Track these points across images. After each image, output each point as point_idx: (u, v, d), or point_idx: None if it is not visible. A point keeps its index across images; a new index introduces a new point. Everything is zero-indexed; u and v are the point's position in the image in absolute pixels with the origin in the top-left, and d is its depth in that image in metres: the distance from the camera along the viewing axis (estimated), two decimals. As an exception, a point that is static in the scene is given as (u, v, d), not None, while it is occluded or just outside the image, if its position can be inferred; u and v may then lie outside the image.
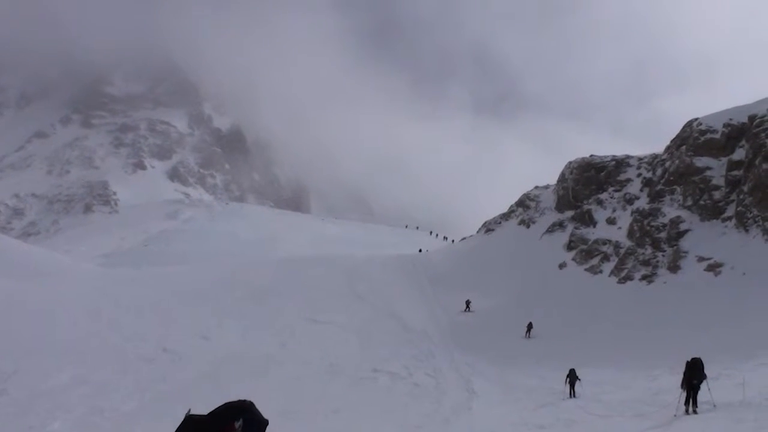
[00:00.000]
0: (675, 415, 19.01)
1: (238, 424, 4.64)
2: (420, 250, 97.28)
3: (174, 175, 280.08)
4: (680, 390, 19.84)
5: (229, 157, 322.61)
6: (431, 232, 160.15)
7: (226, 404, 4.83)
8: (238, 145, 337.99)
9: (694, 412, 19.05)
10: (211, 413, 4.87)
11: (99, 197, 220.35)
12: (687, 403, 19.38)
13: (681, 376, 20.00)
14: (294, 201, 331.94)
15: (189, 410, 4.75)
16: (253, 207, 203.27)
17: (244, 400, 4.92)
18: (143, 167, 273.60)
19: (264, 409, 19.56)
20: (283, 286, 55.88)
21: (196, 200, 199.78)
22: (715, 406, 19.53)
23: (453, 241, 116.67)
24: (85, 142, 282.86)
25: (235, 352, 35.91)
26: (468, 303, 55.15)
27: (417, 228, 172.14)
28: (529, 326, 46.70)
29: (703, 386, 20.05)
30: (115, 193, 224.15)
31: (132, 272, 63.28)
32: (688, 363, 20.01)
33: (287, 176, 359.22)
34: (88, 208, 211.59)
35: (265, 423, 4.85)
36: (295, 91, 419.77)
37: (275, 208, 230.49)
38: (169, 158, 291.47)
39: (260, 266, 69.02)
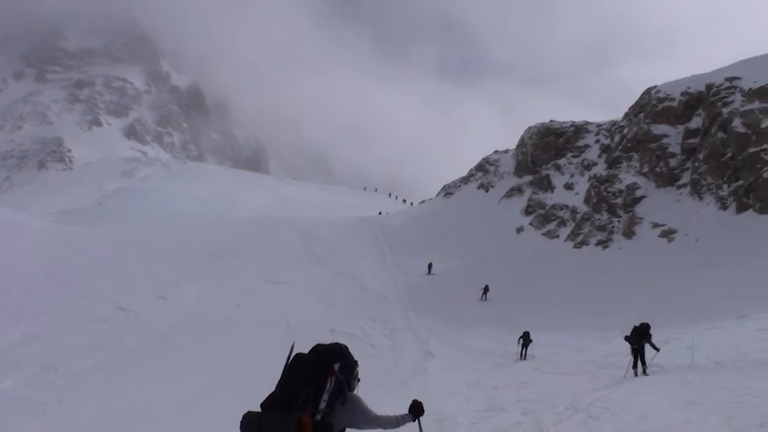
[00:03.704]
0: (625, 376, 19.42)
1: (336, 367, 5.24)
2: (380, 213, 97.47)
3: (131, 132, 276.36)
4: (630, 353, 20.32)
5: (188, 115, 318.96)
6: (390, 195, 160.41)
7: (324, 346, 5.41)
8: (196, 103, 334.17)
9: (644, 373, 19.49)
10: (314, 353, 5.36)
11: (53, 154, 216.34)
12: (635, 366, 19.84)
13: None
14: (253, 161, 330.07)
15: (293, 344, 5.53)
16: (211, 166, 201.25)
17: (340, 344, 5.50)
18: (99, 124, 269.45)
19: (221, 370, 19.53)
20: (241, 247, 55.54)
21: (153, 159, 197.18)
22: (648, 368, 20.01)
23: (412, 204, 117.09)
24: (39, 97, 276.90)
25: (192, 312, 35.64)
26: (430, 266, 55.61)
27: (376, 190, 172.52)
28: (485, 289, 47.21)
29: (652, 349, 20.51)
30: (69, 150, 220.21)
31: (87, 230, 62.29)
32: (634, 327, 20.56)
33: (246, 136, 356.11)
34: (42, 165, 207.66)
35: (355, 364, 5.46)
36: (256, 51, 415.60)
37: (234, 168, 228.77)
38: (126, 115, 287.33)
39: (218, 227, 68.52)
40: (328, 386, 5.18)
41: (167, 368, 25.41)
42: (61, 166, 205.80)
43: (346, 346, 5.54)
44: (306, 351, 5.42)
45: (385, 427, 5.43)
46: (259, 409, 5.18)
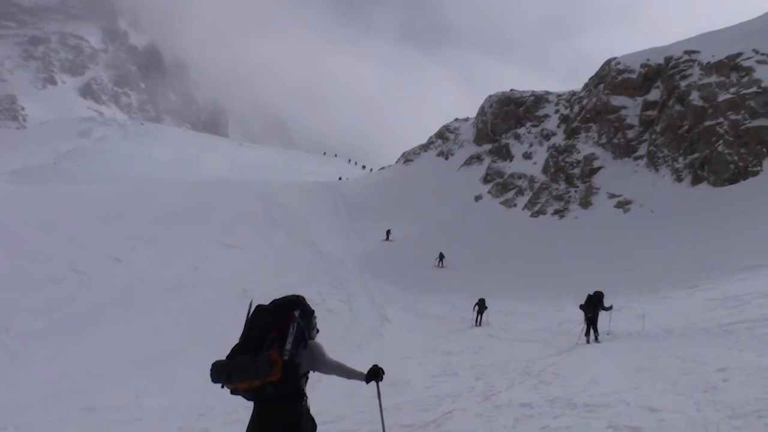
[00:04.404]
0: (577, 343, 19.73)
1: (296, 313, 5.52)
2: (339, 178, 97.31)
3: (86, 92, 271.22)
4: (583, 321, 20.66)
5: (146, 76, 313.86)
6: (350, 161, 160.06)
7: (283, 298, 5.74)
8: (154, 64, 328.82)
9: (596, 340, 19.83)
10: (273, 304, 5.68)
11: (6, 112, 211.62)
12: (587, 333, 20.18)
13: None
14: (211, 124, 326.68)
15: (251, 300, 5.82)
16: (169, 128, 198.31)
17: (297, 294, 5.82)
18: (54, 82, 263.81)
19: (176, 332, 19.36)
20: (198, 211, 55.04)
21: (109, 119, 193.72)
22: (608, 334, 20.43)
23: (372, 170, 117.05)
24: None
25: (148, 275, 35.30)
26: (388, 232, 55.73)
27: (336, 156, 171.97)
28: (441, 256, 47.46)
29: (606, 317, 20.89)
30: (23, 108, 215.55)
31: (40, 190, 61.14)
32: (588, 296, 20.90)
33: (205, 99, 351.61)
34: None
35: (313, 312, 5.75)
36: (216, 11, 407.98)
37: (192, 130, 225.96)
38: (82, 74, 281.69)
39: (175, 189, 67.73)
40: (291, 330, 5.40)
41: (121, 331, 25.16)
42: (14, 125, 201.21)
43: (303, 296, 5.78)
44: None
45: (338, 375, 5.61)
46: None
